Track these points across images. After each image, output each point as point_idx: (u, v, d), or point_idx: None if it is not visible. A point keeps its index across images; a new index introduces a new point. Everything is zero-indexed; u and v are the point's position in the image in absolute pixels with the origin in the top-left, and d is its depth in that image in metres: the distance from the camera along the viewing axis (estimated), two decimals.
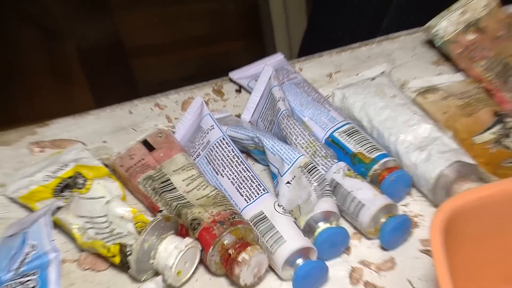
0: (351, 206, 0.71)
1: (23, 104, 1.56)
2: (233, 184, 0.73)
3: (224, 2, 1.90)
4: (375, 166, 0.72)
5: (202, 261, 0.68)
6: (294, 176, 0.73)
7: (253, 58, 0.89)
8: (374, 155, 0.73)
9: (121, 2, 1.74)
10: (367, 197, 0.70)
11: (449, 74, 0.84)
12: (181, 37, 1.85)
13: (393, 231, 0.71)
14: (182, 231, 0.70)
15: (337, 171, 0.72)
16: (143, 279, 0.68)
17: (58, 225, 0.71)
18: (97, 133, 0.81)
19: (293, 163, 0.72)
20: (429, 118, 0.79)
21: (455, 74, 0.84)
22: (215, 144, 0.75)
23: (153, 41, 1.81)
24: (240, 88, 0.85)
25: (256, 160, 0.78)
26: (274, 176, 0.74)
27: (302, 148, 0.75)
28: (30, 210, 0.74)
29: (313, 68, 0.89)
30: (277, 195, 0.73)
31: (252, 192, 0.72)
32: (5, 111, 1.57)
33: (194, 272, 0.69)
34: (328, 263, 0.69)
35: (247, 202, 0.71)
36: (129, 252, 0.68)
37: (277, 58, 0.86)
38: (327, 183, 0.72)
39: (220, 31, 1.80)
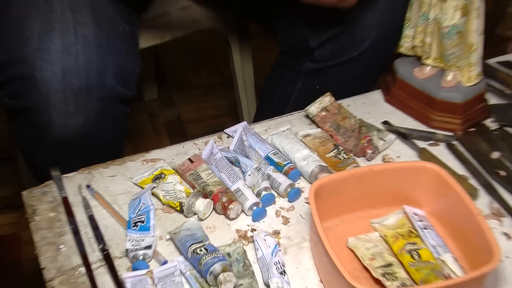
0: (275, 184, 0.87)
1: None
2: (226, 176, 0.88)
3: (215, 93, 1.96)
4: (285, 168, 0.89)
5: (213, 208, 0.85)
6: (251, 173, 0.87)
7: (236, 123, 0.98)
8: (284, 162, 0.90)
9: None
10: (282, 180, 0.87)
11: (315, 129, 0.98)
12: None
13: (293, 194, 0.87)
14: (205, 196, 0.85)
15: (269, 170, 0.88)
16: (189, 216, 0.84)
17: (153, 194, 0.86)
18: (170, 156, 0.94)
19: (251, 167, 0.87)
20: (307, 147, 0.93)
21: (317, 129, 0.97)
22: (218, 159, 0.91)
23: None
24: (228, 136, 0.98)
25: (236, 166, 0.92)
26: (243, 173, 0.89)
27: (255, 160, 0.90)
28: (142, 188, 0.88)
29: (259, 127, 1.00)
30: (244, 180, 0.87)
31: (234, 179, 0.88)
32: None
33: (210, 214, 0.85)
34: (266, 208, 0.86)
35: (232, 184, 0.87)
36: (183, 205, 0.84)
37: (244, 123, 0.98)
38: (265, 175, 0.88)
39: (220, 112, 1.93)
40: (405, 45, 1.02)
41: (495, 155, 0.94)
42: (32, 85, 0.86)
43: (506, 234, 0.84)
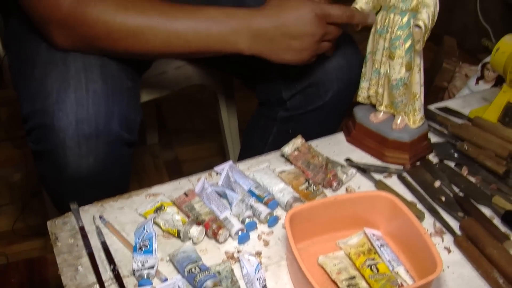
0: (257, 213, 0.87)
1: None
2: (216, 207, 0.88)
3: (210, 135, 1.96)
4: (265, 199, 0.89)
5: (205, 234, 0.85)
6: (237, 204, 0.87)
7: (224, 162, 0.97)
8: (264, 194, 0.89)
9: None
10: (262, 209, 0.87)
11: (289, 166, 0.97)
12: None
13: (272, 221, 0.87)
14: (198, 224, 0.85)
15: (252, 201, 0.88)
16: (185, 241, 0.84)
17: (155, 223, 0.86)
18: (169, 190, 0.94)
19: (236, 199, 0.88)
20: (283, 181, 0.92)
21: (291, 166, 0.97)
22: (209, 193, 0.90)
23: None
24: (217, 173, 0.97)
25: (224, 198, 0.90)
26: (230, 204, 0.88)
27: (239, 193, 0.89)
28: (145, 218, 0.87)
29: (242, 165, 0.99)
30: (231, 210, 0.87)
31: (222, 209, 0.87)
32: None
33: (202, 238, 0.85)
34: (249, 233, 0.86)
35: (220, 213, 0.87)
36: (180, 232, 0.84)
37: (230, 162, 0.96)
38: (248, 205, 0.88)
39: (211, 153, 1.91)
40: (362, 95, 1.03)
41: (437, 184, 0.95)
42: (51, 132, 0.87)
43: (447, 249, 0.85)
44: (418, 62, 0.93)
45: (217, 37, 0.90)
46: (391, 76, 0.94)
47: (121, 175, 0.98)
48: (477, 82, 1.63)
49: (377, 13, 0.96)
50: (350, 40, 1.11)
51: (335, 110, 1.13)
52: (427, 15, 0.87)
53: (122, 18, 0.87)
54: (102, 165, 0.90)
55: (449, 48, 1.81)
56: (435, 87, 1.74)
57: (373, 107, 1.02)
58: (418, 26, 0.87)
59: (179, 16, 0.89)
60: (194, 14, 0.90)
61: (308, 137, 1.03)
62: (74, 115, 0.87)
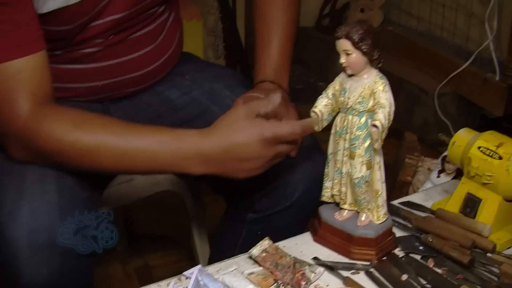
0: None
1: None
2: None
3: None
4: None
5: None
6: None
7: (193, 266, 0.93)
8: None
9: None
10: None
11: (258, 267, 0.96)
12: None
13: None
14: None
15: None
16: None
17: None
18: None
19: None
20: (252, 283, 0.90)
21: (260, 267, 0.96)
22: None
23: None
24: (187, 277, 0.94)
25: None
26: None
27: None
28: None
29: (212, 268, 0.98)
30: None
31: None
32: None
33: None
34: None
35: None
36: None
37: (199, 266, 0.92)
38: None
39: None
40: (326, 195, 1.05)
41: (404, 277, 0.96)
42: (3, 242, 0.88)
43: None
44: (378, 160, 0.97)
45: (167, 161, 0.92)
46: (353, 175, 0.97)
47: (80, 287, 0.97)
48: (438, 175, 1.68)
49: (335, 115, 1.00)
50: (313, 141, 1.16)
51: (303, 210, 1.15)
52: (383, 115, 0.92)
53: (74, 137, 0.90)
54: (57, 277, 0.90)
55: (410, 144, 1.88)
56: (400, 182, 1.78)
57: (338, 205, 1.04)
58: (375, 126, 0.92)
59: (130, 139, 0.91)
60: (145, 137, 0.92)
61: (277, 238, 1.04)
62: (27, 226, 0.88)
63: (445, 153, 1.71)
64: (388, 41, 2.81)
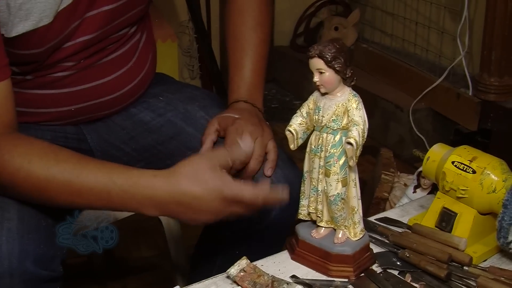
0: None
1: None
2: None
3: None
4: None
5: None
6: None
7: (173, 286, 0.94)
8: None
9: None
10: None
11: (236, 287, 0.96)
12: None
13: None
14: None
15: None
16: None
17: None
18: None
19: None
20: None
21: (238, 287, 0.96)
22: None
23: None
24: None
25: None
26: None
27: None
28: None
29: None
30: None
31: None
32: None
33: None
34: None
35: None
36: None
37: (177, 287, 0.92)
38: None
39: None
40: (302, 213, 1.05)
41: None
42: None
43: None
44: (353, 177, 0.98)
45: (120, 202, 0.91)
46: (329, 193, 0.98)
47: None
48: (414, 191, 1.69)
49: (310, 134, 1.01)
50: (289, 160, 1.16)
51: (280, 229, 1.15)
52: (357, 132, 0.93)
53: (27, 172, 0.89)
54: None
55: (386, 160, 1.89)
56: (377, 199, 1.80)
57: (314, 223, 1.05)
58: (349, 143, 0.92)
59: (83, 176, 0.90)
60: (98, 176, 0.90)
61: (254, 257, 1.04)
62: None
63: (420, 169, 1.72)
64: (362, 58, 2.86)
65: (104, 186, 0.90)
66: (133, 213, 1.32)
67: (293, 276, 1.02)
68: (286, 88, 3.24)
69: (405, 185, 1.86)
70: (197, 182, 0.89)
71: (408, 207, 1.26)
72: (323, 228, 1.04)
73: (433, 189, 1.66)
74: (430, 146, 1.16)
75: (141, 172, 0.92)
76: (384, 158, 1.92)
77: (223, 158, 0.94)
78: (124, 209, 0.95)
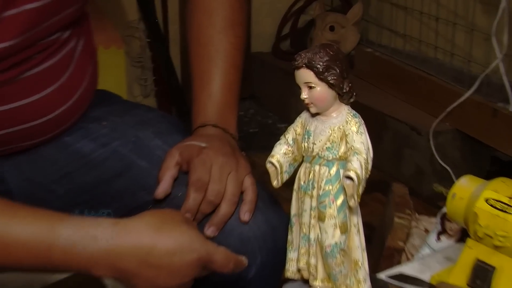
0: None
1: None
2: None
3: None
4: None
5: None
6: None
7: None
8: None
9: None
10: None
11: None
12: None
13: None
14: None
15: None
16: None
17: None
18: None
19: None
20: None
21: None
22: None
23: None
24: None
25: None
26: None
27: None
28: None
29: None
30: None
31: None
32: None
33: None
34: None
35: None
36: None
37: None
38: None
39: None
40: (290, 269, 1.06)
41: None
42: None
43: None
44: (356, 221, 0.99)
45: (62, 262, 0.92)
46: (324, 242, 0.99)
47: None
48: (438, 238, 1.69)
49: (298, 166, 1.02)
50: (271, 200, 1.17)
51: None
52: (359, 163, 0.94)
53: None
54: None
55: (400, 199, 1.89)
56: (389, 249, 1.79)
57: (306, 282, 1.05)
58: (349, 177, 0.93)
59: (16, 227, 0.91)
60: (35, 225, 0.91)
61: None
62: None
63: (444, 209, 1.73)
64: (366, 66, 2.85)
65: (44, 239, 0.90)
66: (71, 274, 1.34)
67: None
68: (268, 107, 3.26)
69: (426, 231, 1.86)
70: (170, 234, 0.92)
71: (430, 259, 1.27)
72: None
73: (463, 235, 1.66)
74: (457, 178, 1.17)
75: (95, 221, 0.93)
76: (397, 196, 1.92)
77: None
78: (67, 268, 0.95)
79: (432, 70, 2.60)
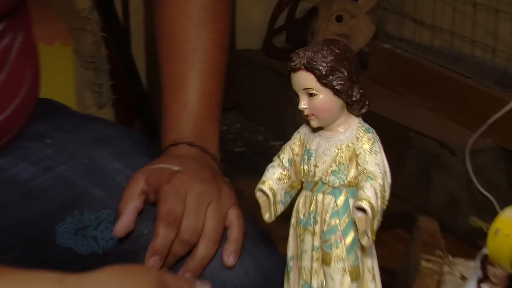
0: None
1: None
2: None
3: None
4: None
5: None
6: None
7: None
8: None
9: None
10: None
11: None
12: None
13: None
14: None
15: None
16: None
17: None
18: None
19: None
20: None
21: None
22: None
23: None
24: None
25: None
26: None
27: None
28: None
29: None
30: None
31: None
32: None
33: None
34: None
35: None
36: None
37: None
38: None
39: None
40: None
41: None
42: None
43: None
44: (370, 265, 1.00)
45: None
46: None
47: None
48: (478, 286, 1.70)
49: (297, 194, 1.03)
50: (263, 239, 1.18)
51: None
52: (373, 190, 0.94)
53: None
54: None
55: (428, 236, 1.90)
56: None
57: None
58: (361, 209, 0.93)
59: None
60: None
61: None
62: None
63: (486, 249, 1.73)
64: (382, 67, 2.87)
65: None
66: None
67: None
68: (258, 120, 3.28)
69: (463, 277, 1.87)
70: (133, 277, 0.87)
71: None
72: None
73: (510, 283, 1.67)
74: (501, 209, 1.17)
75: (33, 276, 0.86)
76: (424, 233, 1.93)
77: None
78: None
79: (468, 71, 2.60)
